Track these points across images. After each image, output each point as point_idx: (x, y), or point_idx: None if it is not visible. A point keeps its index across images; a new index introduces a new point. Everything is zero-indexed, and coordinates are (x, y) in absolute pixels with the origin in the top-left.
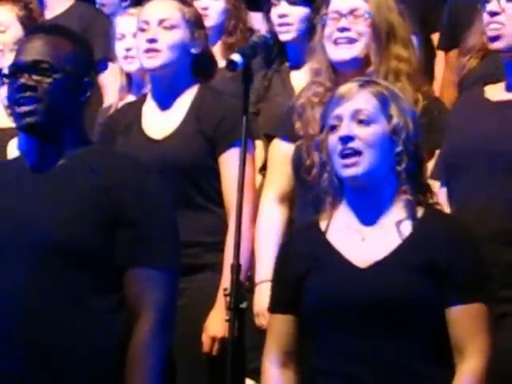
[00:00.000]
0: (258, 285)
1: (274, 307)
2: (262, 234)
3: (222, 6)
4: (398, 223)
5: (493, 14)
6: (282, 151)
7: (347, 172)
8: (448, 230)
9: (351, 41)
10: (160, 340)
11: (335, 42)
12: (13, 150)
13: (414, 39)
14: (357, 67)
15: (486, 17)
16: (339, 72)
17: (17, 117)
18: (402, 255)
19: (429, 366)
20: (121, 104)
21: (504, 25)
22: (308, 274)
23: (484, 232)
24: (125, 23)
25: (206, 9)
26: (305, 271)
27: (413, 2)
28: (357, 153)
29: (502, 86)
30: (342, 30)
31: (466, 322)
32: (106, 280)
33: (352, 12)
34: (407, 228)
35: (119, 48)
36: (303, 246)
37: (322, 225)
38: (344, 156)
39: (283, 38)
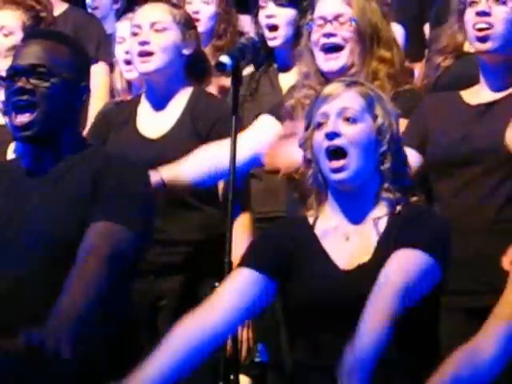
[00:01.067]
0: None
1: (252, 263)
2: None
3: (213, 10)
4: (377, 222)
5: (481, 13)
6: (265, 120)
7: (335, 177)
8: (416, 216)
9: (337, 47)
10: (96, 278)
11: (323, 49)
12: (12, 152)
13: (400, 28)
14: (344, 73)
15: (471, 17)
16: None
17: (13, 129)
18: (380, 255)
19: (416, 358)
20: None
21: (493, 26)
22: (293, 268)
23: (476, 228)
24: (125, 27)
25: (196, 13)
26: (292, 260)
27: None
28: (342, 152)
29: (479, 88)
30: (328, 35)
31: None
32: None
33: (336, 18)
34: (383, 226)
35: (119, 51)
36: (294, 236)
37: (310, 221)
38: (331, 157)
39: (272, 44)
